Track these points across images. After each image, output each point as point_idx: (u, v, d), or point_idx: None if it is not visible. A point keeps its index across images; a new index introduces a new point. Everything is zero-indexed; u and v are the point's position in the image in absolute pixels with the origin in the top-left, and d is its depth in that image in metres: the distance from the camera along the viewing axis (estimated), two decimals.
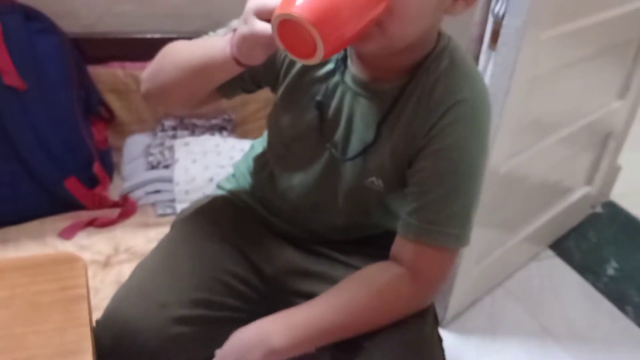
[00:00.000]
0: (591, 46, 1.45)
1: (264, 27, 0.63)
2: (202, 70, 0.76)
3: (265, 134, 0.99)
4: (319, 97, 0.81)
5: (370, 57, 0.77)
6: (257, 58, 0.70)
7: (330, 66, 0.81)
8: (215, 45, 0.73)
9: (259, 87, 0.89)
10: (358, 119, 0.80)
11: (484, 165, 0.78)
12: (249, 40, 0.66)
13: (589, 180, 1.99)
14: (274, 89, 0.87)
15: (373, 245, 0.91)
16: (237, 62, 0.70)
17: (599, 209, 2.10)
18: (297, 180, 0.89)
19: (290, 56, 0.62)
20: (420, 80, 0.75)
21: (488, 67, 1.33)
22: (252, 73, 0.84)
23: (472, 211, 0.78)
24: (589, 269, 1.83)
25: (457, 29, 1.66)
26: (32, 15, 1.32)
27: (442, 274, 0.80)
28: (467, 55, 0.81)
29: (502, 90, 1.25)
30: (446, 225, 0.75)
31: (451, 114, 0.73)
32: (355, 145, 0.81)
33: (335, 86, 0.81)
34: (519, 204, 1.63)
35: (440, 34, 0.78)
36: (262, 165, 0.98)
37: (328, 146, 0.83)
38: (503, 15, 1.21)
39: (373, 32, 0.65)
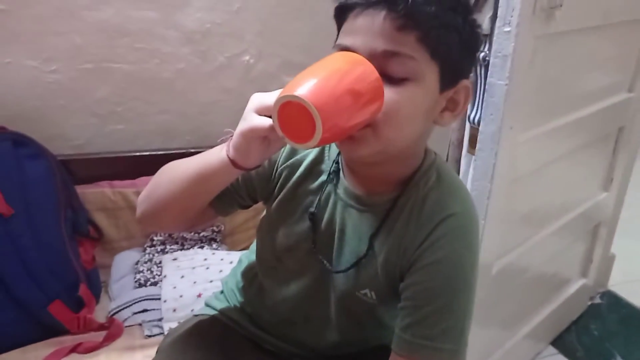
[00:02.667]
0: (569, 143, 1.48)
1: (263, 120, 0.67)
2: (198, 178, 0.77)
3: (252, 246, 0.98)
4: (312, 209, 0.83)
5: (363, 166, 0.79)
6: (254, 158, 0.71)
7: (323, 178, 0.83)
8: (211, 152, 0.76)
9: (255, 201, 0.90)
10: (350, 231, 0.81)
11: (476, 278, 0.77)
12: (247, 136, 0.69)
13: (585, 271, 1.97)
14: (267, 201, 0.89)
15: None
16: (234, 164, 0.72)
17: (597, 300, 2.06)
18: (288, 292, 0.89)
19: (287, 141, 0.64)
20: (411, 195, 0.77)
21: (469, 171, 1.35)
22: (248, 188, 0.87)
23: (467, 325, 0.77)
24: None
25: (438, 133, 1.71)
26: (21, 142, 1.35)
27: None
28: (452, 171, 0.83)
29: (484, 193, 1.27)
30: (440, 341, 0.74)
31: (442, 228, 0.74)
32: (347, 257, 0.82)
33: (328, 198, 0.82)
34: (515, 301, 1.60)
35: (427, 150, 0.81)
36: (250, 279, 0.97)
37: (320, 257, 0.83)
38: (479, 121, 1.25)
39: (367, 135, 0.68)
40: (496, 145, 1.21)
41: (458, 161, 1.43)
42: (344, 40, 0.70)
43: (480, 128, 1.23)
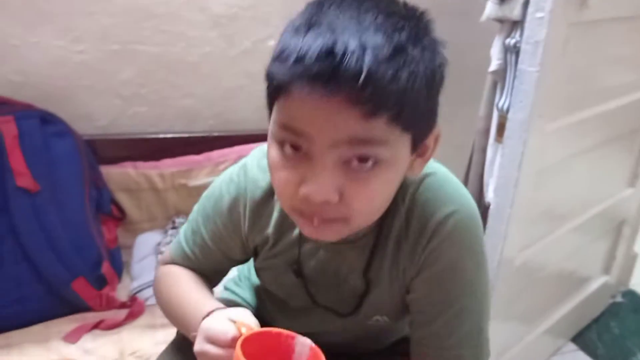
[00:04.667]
0: (597, 136, 1.46)
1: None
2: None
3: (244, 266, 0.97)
4: (294, 266, 0.78)
5: None
6: None
7: (296, 231, 0.76)
8: (188, 326, 0.73)
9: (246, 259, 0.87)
10: (344, 271, 0.77)
11: (485, 276, 0.73)
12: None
13: (607, 269, 1.94)
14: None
15: (391, 351, 0.89)
16: None
17: (619, 299, 2.03)
18: (298, 325, 0.87)
19: None
20: (395, 219, 0.72)
21: (496, 160, 1.34)
22: (234, 262, 0.86)
23: (484, 324, 0.74)
24: None
25: (463, 122, 1.70)
26: (48, 119, 1.36)
27: None
28: (426, 172, 0.72)
29: (511, 182, 1.25)
30: (460, 347, 0.72)
31: (434, 239, 0.69)
32: (349, 298, 0.78)
33: (313, 246, 0.76)
34: (536, 296, 1.59)
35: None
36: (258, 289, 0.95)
37: (322, 304, 0.80)
38: (508, 109, 1.23)
39: (337, 226, 0.62)
40: (525, 134, 1.19)
41: (484, 150, 1.42)
42: (291, 121, 0.58)
43: (509, 115, 1.22)
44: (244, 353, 0.56)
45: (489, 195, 1.39)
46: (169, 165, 1.56)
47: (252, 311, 0.83)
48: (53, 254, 1.28)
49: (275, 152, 0.61)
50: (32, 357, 1.18)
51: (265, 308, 0.92)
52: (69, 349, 1.21)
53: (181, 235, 0.85)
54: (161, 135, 1.63)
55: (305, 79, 0.54)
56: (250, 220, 0.77)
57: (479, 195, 1.49)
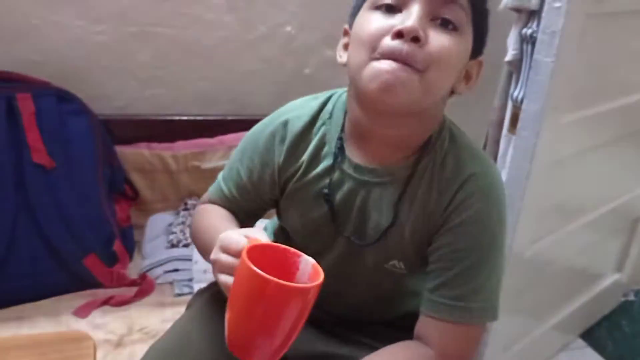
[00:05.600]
0: (612, 131, 1.44)
1: (224, 281, 0.65)
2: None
3: (274, 219, 0.98)
4: (326, 191, 0.80)
5: (388, 124, 0.75)
6: None
7: (328, 161, 0.80)
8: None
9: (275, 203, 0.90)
10: (371, 206, 0.79)
11: (504, 235, 0.77)
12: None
13: (619, 267, 1.92)
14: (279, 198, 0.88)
15: (397, 326, 0.88)
16: None
17: (631, 297, 2.01)
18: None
19: None
20: (429, 159, 0.76)
21: (508, 151, 1.33)
22: (262, 201, 0.88)
23: (497, 283, 0.76)
24: None
25: (477, 112, 1.69)
26: (65, 98, 1.38)
27: (470, 350, 0.78)
28: (462, 132, 0.81)
29: (522, 174, 1.24)
30: (471, 300, 0.74)
31: (466, 188, 0.74)
32: (372, 231, 0.80)
33: (340, 178, 0.80)
34: (545, 290, 1.58)
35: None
36: None
37: (345, 235, 0.82)
38: (522, 100, 1.22)
39: (412, 79, 0.67)
40: (538, 125, 1.18)
41: (497, 141, 1.41)
42: None
43: (523, 106, 1.21)
44: (250, 260, 0.57)
45: None
46: (182, 147, 1.58)
47: None
48: (66, 230, 1.30)
49: (371, 15, 0.71)
50: (42, 330, 1.21)
51: None
52: (78, 324, 1.24)
53: (219, 176, 0.90)
54: (176, 118, 1.64)
55: None
56: (287, 150, 0.81)
57: None
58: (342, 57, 0.78)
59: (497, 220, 0.75)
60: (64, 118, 1.35)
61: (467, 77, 0.76)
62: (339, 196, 0.80)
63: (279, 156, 0.82)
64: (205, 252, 0.82)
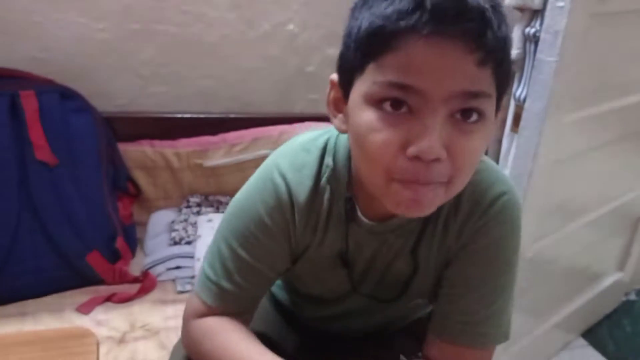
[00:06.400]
0: (615, 130, 1.44)
1: None
2: None
3: None
4: (343, 256, 0.76)
5: None
6: None
7: (341, 225, 0.73)
8: None
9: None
10: (391, 257, 0.75)
11: (517, 258, 0.74)
12: None
13: (621, 266, 1.93)
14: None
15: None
16: None
17: (633, 296, 2.01)
18: (328, 311, 0.86)
19: None
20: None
21: (511, 150, 1.33)
22: (278, 276, 0.79)
23: (509, 306, 0.74)
24: None
25: None
26: (68, 95, 1.38)
27: None
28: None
29: (525, 173, 1.25)
30: (485, 325, 0.72)
31: (483, 217, 0.70)
32: (392, 284, 0.78)
33: (355, 237, 0.74)
34: (547, 289, 1.58)
35: None
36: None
37: (364, 293, 0.79)
38: (525, 99, 1.23)
39: (438, 194, 0.59)
40: (541, 124, 1.18)
41: (499, 140, 1.41)
42: (400, 76, 0.55)
43: (525, 105, 1.21)
44: None
45: None
46: (185, 145, 1.58)
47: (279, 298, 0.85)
48: (69, 227, 1.31)
49: (370, 115, 0.57)
50: (45, 326, 1.21)
51: (292, 299, 0.92)
52: (81, 320, 1.25)
53: (207, 276, 0.75)
54: (179, 115, 1.64)
55: (429, 22, 0.52)
56: (301, 221, 0.72)
57: None
58: (337, 121, 0.66)
59: (514, 246, 0.72)
60: (67, 115, 1.36)
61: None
62: (359, 253, 0.76)
63: (293, 228, 0.73)
64: None
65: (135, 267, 1.43)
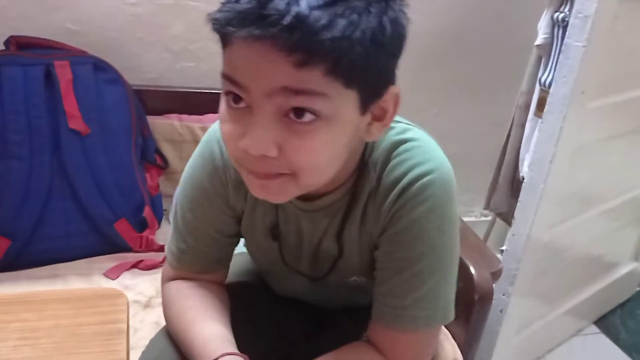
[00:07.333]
0: (638, 119, 1.45)
1: None
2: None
3: None
4: (273, 229, 0.79)
5: None
6: None
7: None
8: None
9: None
10: (319, 236, 0.77)
11: (451, 242, 0.72)
12: None
13: (636, 256, 1.94)
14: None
15: None
16: None
17: None
18: (285, 287, 0.91)
19: None
20: (365, 184, 0.72)
21: (533, 135, 1.34)
22: (230, 240, 0.83)
23: (444, 288, 0.73)
24: (636, 349, 1.75)
25: (504, 97, 1.70)
26: (101, 67, 1.41)
27: (420, 356, 0.77)
28: (410, 135, 0.72)
29: (547, 158, 1.26)
30: (415, 308, 0.71)
31: (399, 200, 0.69)
32: (322, 262, 0.80)
33: (285, 210, 0.77)
34: (561, 275, 1.60)
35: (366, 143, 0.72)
36: None
37: (301, 271, 0.83)
38: (550, 84, 1.24)
39: (287, 185, 0.62)
40: (565, 109, 1.20)
41: (523, 125, 1.43)
42: (230, 71, 0.58)
43: (551, 90, 1.22)
44: None
45: (524, 170, 1.40)
46: (211, 120, 1.60)
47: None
48: (99, 195, 1.34)
49: (222, 105, 0.62)
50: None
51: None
52: (109, 284, 1.29)
53: (171, 239, 0.82)
54: (206, 91, 1.67)
55: (235, 20, 0.53)
56: (233, 184, 0.76)
57: (514, 170, 1.50)
58: None
59: (438, 228, 0.70)
60: (100, 86, 1.39)
61: (381, 112, 0.64)
62: (289, 228, 0.78)
63: (229, 190, 0.77)
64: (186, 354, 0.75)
65: (160, 237, 1.46)
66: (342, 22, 0.52)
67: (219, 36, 0.59)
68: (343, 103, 0.58)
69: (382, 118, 0.64)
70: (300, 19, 0.51)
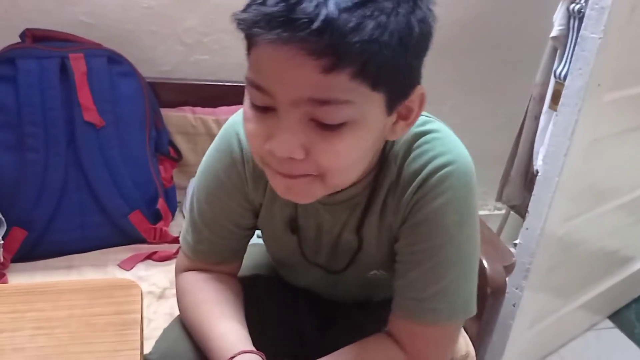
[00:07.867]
0: None
1: None
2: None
3: None
4: (292, 223, 0.79)
5: None
6: None
7: None
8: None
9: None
10: (339, 229, 0.78)
11: (471, 234, 0.72)
12: None
13: None
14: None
15: None
16: None
17: None
18: (304, 281, 0.92)
19: None
20: (386, 178, 0.72)
21: (548, 128, 1.33)
22: (246, 232, 0.83)
23: (464, 282, 0.73)
24: None
25: (518, 88, 1.68)
26: (115, 59, 1.42)
27: (441, 351, 0.76)
28: (430, 127, 0.72)
29: (561, 151, 1.25)
30: (436, 301, 0.71)
31: (419, 191, 0.70)
32: (342, 256, 0.80)
33: (307, 205, 0.75)
34: (576, 269, 1.59)
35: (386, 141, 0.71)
36: None
37: (319, 264, 0.83)
38: (565, 76, 1.23)
39: (314, 186, 0.62)
40: (581, 101, 1.19)
41: (537, 117, 1.42)
42: (256, 77, 0.58)
43: (566, 83, 1.21)
44: None
45: (538, 163, 1.39)
46: (224, 112, 1.61)
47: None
48: (113, 186, 1.36)
49: (247, 104, 0.62)
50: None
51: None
52: (123, 275, 1.30)
53: (187, 230, 0.83)
54: (219, 84, 1.67)
55: (262, 22, 0.52)
56: (252, 178, 0.76)
57: (527, 162, 1.49)
58: None
59: (457, 220, 0.70)
60: (114, 79, 1.40)
61: (407, 112, 0.64)
62: (308, 222, 0.78)
63: (247, 184, 0.77)
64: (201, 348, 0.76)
65: (174, 228, 1.47)
66: (370, 24, 0.52)
67: (244, 36, 0.58)
68: (369, 106, 0.58)
69: (407, 117, 0.65)
70: (329, 22, 0.50)
